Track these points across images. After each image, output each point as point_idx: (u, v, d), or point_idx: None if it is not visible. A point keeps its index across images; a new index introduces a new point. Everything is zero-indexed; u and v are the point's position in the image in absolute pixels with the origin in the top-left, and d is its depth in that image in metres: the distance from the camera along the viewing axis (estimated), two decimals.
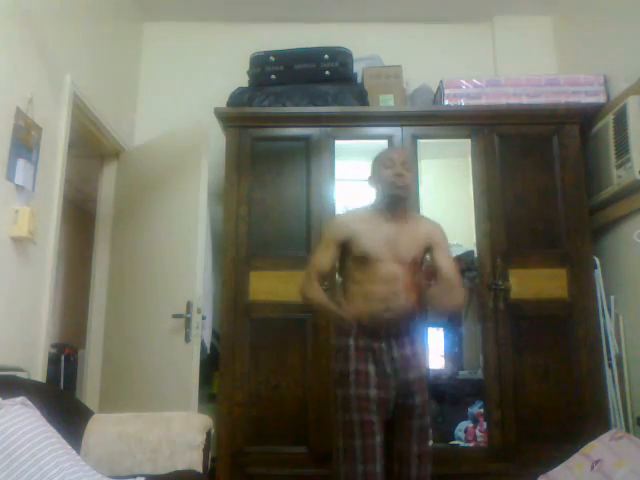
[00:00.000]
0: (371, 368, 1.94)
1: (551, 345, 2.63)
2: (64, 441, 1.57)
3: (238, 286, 2.70)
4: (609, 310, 2.68)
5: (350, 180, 3.17)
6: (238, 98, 3.00)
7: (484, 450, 2.61)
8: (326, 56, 3.06)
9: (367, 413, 1.89)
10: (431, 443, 2.09)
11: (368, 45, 3.38)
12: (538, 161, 2.81)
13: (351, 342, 1.98)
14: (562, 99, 2.91)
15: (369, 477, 1.84)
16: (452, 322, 3.15)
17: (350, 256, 2.06)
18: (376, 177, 2.12)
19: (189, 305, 2.58)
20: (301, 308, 2.59)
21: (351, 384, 1.93)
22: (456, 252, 2.89)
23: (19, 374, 1.88)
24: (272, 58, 3.08)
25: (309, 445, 2.55)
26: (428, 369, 2.11)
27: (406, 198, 2.08)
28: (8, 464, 1.36)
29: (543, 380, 2.60)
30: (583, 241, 2.71)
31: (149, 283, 2.84)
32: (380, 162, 2.11)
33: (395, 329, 1.98)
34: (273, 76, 3.06)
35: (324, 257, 2.08)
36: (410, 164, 2.09)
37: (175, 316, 2.59)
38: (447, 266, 2.10)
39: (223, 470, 2.54)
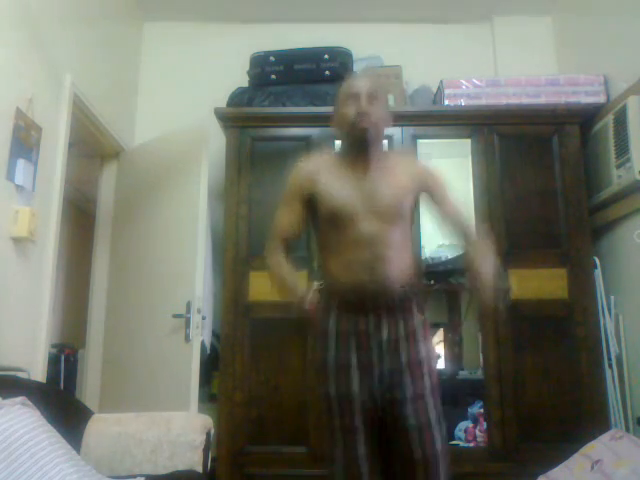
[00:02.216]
0: (354, 358, 1.59)
1: (551, 345, 2.63)
2: (64, 441, 1.57)
3: (238, 286, 2.70)
4: (609, 310, 2.68)
5: None
6: (238, 98, 3.01)
7: (484, 450, 2.61)
8: (326, 56, 3.06)
9: (349, 417, 1.58)
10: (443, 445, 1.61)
11: (368, 45, 3.39)
12: (538, 161, 2.81)
13: (331, 325, 1.63)
14: (562, 99, 2.91)
15: None
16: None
17: (319, 218, 1.69)
18: (337, 114, 1.72)
19: (189, 305, 2.58)
20: None
21: (330, 380, 1.61)
22: (456, 252, 2.90)
23: (19, 374, 1.88)
24: (272, 58, 3.08)
25: (309, 445, 2.55)
26: (432, 351, 1.69)
27: (374, 141, 1.66)
28: (8, 464, 1.36)
29: (543, 380, 2.60)
30: (583, 241, 2.71)
31: (149, 283, 2.84)
32: (340, 97, 1.71)
33: (385, 304, 1.60)
34: (273, 76, 3.06)
35: (286, 218, 1.72)
36: (379, 94, 1.68)
37: (175, 316, 2.59)
38: (460, 215, 1.70)
39: (223, 470, 2.54)
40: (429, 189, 1.70)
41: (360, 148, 1.67)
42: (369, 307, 1.60)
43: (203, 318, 2.71)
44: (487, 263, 1.60)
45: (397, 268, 1.60)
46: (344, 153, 1.74)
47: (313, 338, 1.72)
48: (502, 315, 2.64)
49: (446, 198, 1.71)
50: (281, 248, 1.72)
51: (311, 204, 1.70)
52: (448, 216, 1.70)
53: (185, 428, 1.85)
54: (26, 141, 2.11)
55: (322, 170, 1.70)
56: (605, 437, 2.20)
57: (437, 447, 1.57)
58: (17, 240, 2.08)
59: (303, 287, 1.68)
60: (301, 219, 1.72)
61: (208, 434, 1.89)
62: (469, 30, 3.56)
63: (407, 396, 1.57)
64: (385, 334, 1.59)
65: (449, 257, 2.92)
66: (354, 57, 3.15)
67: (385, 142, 2.69)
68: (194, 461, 1.80)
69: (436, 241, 3.00)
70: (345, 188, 1.64)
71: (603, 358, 2.62)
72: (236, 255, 2.73)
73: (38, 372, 2.22)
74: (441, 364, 3.13)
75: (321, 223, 1.70)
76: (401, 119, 2.85)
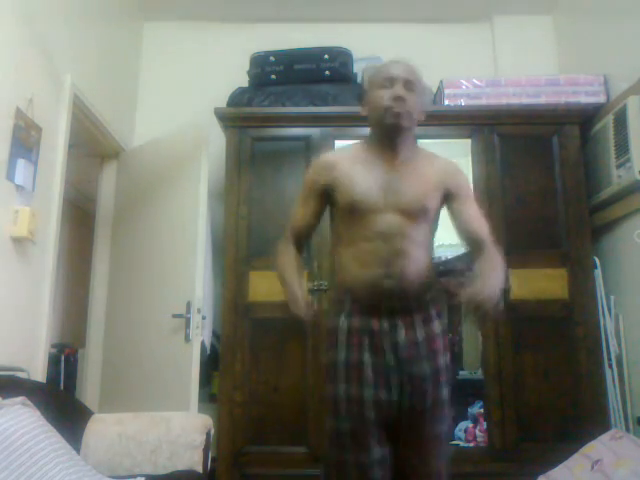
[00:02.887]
0: (367, 358, 1.48)
1: (551, 345, 2.63)
2: (64, 441, 1.57)
3: (238, 286, 2.70)
4: (609, 310, 2.68)
5: None
6: (238, 98, 3.01)
7: (484, 450, 2.61)
8: (326, 56, 3.06)
9: (361, 420, 1.47)
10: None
11: (368, 45, 3.38)
12: (538, 161, 2.81)
13: (342, 322, 1.54)
14: (562, 99, 2.91)
15: None
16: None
17: (337, 210, 1.61)
18: (368, 100, 1.62)
19: (189, 305, 2.58)
20: None
21: (340, 380, 1.50)
22: (456, 252, 2.90)
23: (19, 374, 1.89)
24: (272, 58, 3.08)
25: (309, 445, 2.55)
26: (448, 357, 1.58)
27: (407, 129, 1.57)
28: (8, 464, 1.36)
29: (543, 380, 2.60)
30: (583, 241, 2.71)
31: (149, 283, 2.84)
32: (374, 80, 1.62)
33: (401, 303, 1.51)
34: (273, 76, 3.06)
35: (301, 211, 1.66)
36: (416, 82, 1.58)
37: (175, 316, 2.59)
38: (477, 224, 1.59)
39: (223, 470, 2.54)
40: (452, 190, 1.61)
41: (390, 136, 1.58)
42: (383, 305, 1.51)
43: (203, 318, 2.71)
44: (493, 282, 1.45)
45: (415, 266, 1.52)
46: (372, 142, 1.64)
47: (325, 340, 1.63)
48: (502, 315, 2.64)
49: (467, 204, 1.61)
50: (292, 245, 1.66)
51: (329, 197, 1.62)
52: (465, 224, 1.60)
53: (185, 428, 1.85)
54: (26, 141, 2.11)
55: (343, 161, 1.62)
56: (605, 437, 2.20)
57: (443, 461, 1.54)
58: (17, 240, 2.08)
59: (301, 288, 1.55)
60: (314, 215, 1.66)
61: (208, 434, 1.89)
62: (469, 30, 3.56)
63: (428, 406, 1.49)
64: (401, 337, 1.50)
65: (449, 257, 2.92)
66: (354, 57, 3.15)
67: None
68: (194, 461, 1.80)
69: (436, 241, 3.00)
70: (368, 178, 1.56)
71: (603, 358, 2.62)
72: (236, 255, 2.73)
73: (38, 372, 2.22)
74: None
75: (339, 215, 1.62)
76: None
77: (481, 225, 1.60)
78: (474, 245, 1.59)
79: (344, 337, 1.53)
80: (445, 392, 1.53)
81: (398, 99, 1.52)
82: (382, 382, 1.48)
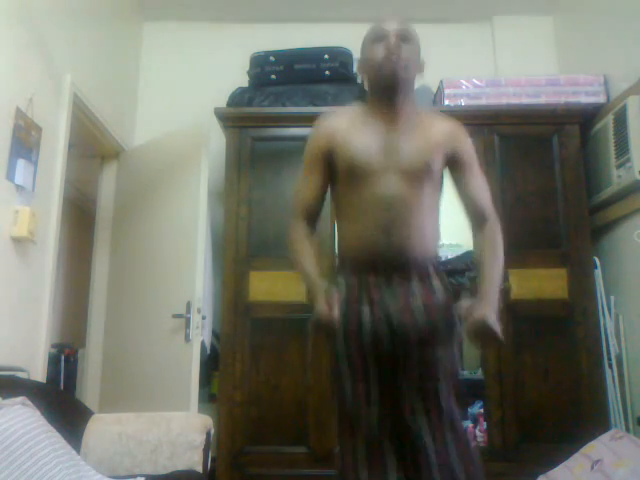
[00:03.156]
0: (365, 309, 1.45)
1: (551, 345, 2.63)
2: (64, 441, 1.57)
3: (238, 286, 2.70)
4: (609, 310, 2.68)
5: None
6: (238, 98, 3.01)
7: (484, 450, 2.61)
8: (326, 56, 3.07)
9: (359, 356, 1.46)
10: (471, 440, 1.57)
11: None
12: (538, 161, 2.81)
13: (340, 280, 1.52)
14: (562, 99, 2.91)
15: (359, 426, 1.44)
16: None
17: (338, 176, 1.53)
18: (363, 59, 1.59)
19: (189, 305, 2.58)
20: (301, 308, 2.61)
21: (340, 335, 1.47)
22: (456, 252, 2.90)
23: (19, 374, 1.88)
24: (272, 58, 3.08)
25: (309, 445, 2.55)
26: (454, 321, 1.51)
27: (405, 80, 1.50)
28: (8, 464, 1.36)
29: (543, 380, 2.60)
30: (583, 241, 2.71)
31: (149, 283, 2.84)
32: (367, 39, 1.57)
33: (400, 267, 1.46)
34: (273, 76, 3.06)
35: (307, 186, 1.56)
36: (411, 36, 1.52)
37: (175, 316, 2.59)
38: (482, 196, 1.54)
39: (223, 470, 2.54)
40: (456, 154, 1.54)
41: (388, 94, 1.50)
42: (380, 268, 1.46)
43: (203, 318, 2.71)
44: (494, 296, 1.45)
45: (418, 236, 1.45)
46: (370, 104, 1.57)
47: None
48: (502, 315, 2.64)
49: (472, 173, 1.55)
50: (304, 225, 1.56)
51: (331, 164, 1.53)
52: (469, 195, 1.54)
53: (185, 428, 1.85)
54: (26, 141, 2.11)
55: (343, 123, 1.54)
56: (605, 437, 2.20)
57: (447, 402, 1.47)
58: (17, 240, 2.08)
59: (324, 284, 1.46)
60: (322, 185, 1.55)
61: (208, 434, 1.89)
62: (469, 30, 3.56)
63: (419, 357, 1.45)
64: (398, 288, 1.45)
65: (449, 257, 2.92)
66: (354, 57, 3.15)
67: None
68: (194, 461, 1.80)
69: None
70: (366, 138, 1.48)
71: (603, 358, 2.62)
72: (236, 255, 2.73)
73: (38, 372, 2.22)
74: None
75: (339, 183, 1.53)
76: None
77: (485, 197, 1.55)
78: (476, 217, 1.56)
79: (343, 290, 1.49)
80: (443, 324, 1.48)
81: (391, 54, 1.46)
82: (377, 331, 1.45)
